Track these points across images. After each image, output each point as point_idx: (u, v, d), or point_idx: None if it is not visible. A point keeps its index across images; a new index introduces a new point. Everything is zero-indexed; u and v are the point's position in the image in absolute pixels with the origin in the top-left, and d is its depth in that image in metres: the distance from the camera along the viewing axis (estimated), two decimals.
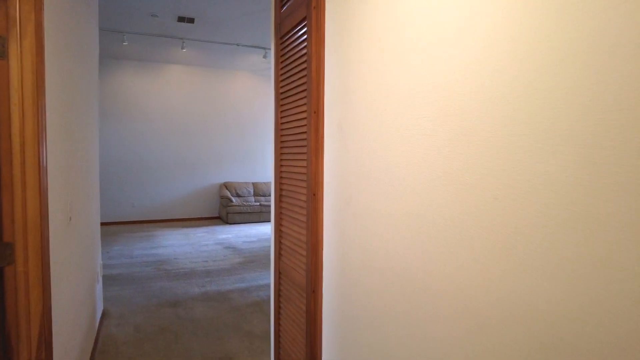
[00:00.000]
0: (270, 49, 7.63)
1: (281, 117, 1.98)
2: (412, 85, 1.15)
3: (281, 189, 2.01)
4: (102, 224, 7.85)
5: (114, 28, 6.64)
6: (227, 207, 8.08)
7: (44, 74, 1.46)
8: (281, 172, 2.02)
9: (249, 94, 8.95)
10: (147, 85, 8.09)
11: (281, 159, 2.01)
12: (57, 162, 1.71)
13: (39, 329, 1.49)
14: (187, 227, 7.80)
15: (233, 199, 8.23)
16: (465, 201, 0.95)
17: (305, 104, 1.70)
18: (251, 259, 5.33)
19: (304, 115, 1.72)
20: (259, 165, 9.13)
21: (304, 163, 1.72)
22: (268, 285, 4.23)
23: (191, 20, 6.31)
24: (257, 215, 8.26)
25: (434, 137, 1.06)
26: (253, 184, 8.87)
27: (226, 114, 8.77)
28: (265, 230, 7.34)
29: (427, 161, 1.08)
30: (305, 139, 1.71)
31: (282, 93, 1.97)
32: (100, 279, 3.35)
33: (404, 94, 1.18)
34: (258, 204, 8.29)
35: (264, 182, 8.99)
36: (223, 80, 8.71)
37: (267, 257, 5.40)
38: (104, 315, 3.35)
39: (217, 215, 8.78)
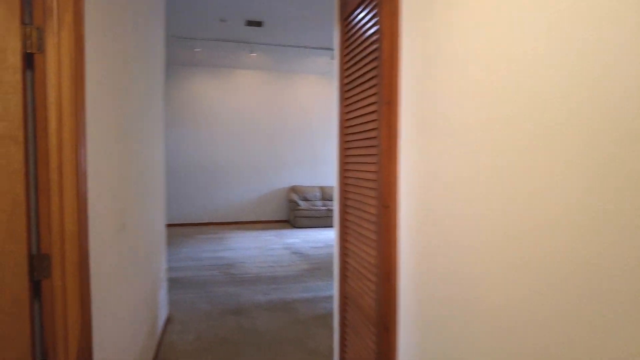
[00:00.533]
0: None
1: (345, 112, 1.71)
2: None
3: (345, 198, 1.73)
4: (175, 225, 8.16)
5: (186, 35, 6.83)
6: (294, 211, 7.99)
7: (83, 70, 1.33)
8: (345, 177, 1.74)
9: (316, 97, 8.82)
10: (218, 91, 8.29)
11: (345, 162, 1.73)
12: (104, 166, 1.59)
13: (77, 345, 1.36)
14: (256, 229, 7.83)
15: (300, 203, 8.12)
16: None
17: (374, 93, 1.41)
18: (317, 266, 5.11)
19: (373, 107, 1.42)
20: (326, 169, 8.95)
21: (373, 167, 1.42)
22: (333, 297, 3.97)
23: (259, 24, 6.29)
24: (325, 220, 8.07)
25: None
26: (320, 187, 8.70)
27: (294, 118, 8.72)
28: (333, 236, 7.11)
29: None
30: (374, 137, 1.42)
31: (346, 84, 1.70)
32: (164, 284, 3.31)
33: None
34: (325, 208, 8.10)
35: (332, 187, 8.79)
36: (291, 83, 8.67)
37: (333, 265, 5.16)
38: (168, 320, 3.31)
39: (285, 218, 8.74)
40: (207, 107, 8.25)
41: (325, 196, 8.61)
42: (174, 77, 8.08)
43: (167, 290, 3.61)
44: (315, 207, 8.08)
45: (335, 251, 1.87)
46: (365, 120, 1.51)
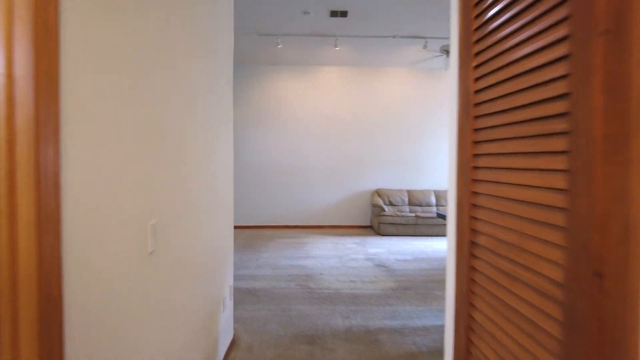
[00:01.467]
0: (430, 38, 6.64)
1: (475, 81, 1.07)
2: None
3: (473, 232, 1.08)
4: (255, 227, 7.98)
5: (269, 31, 6.57)
6: (379, 217, 7.34)
7: (56, 44, 0.88)
8: (474, 194, 1.08)
9: (404, 92, 8.07)
10: (299, 89, 7.96)
11: (474, 168, 1.09)
12: (114, 169, 1.15)
13: None
14: (337, 235, 7.34)
15: (386, 207, 7.45)
16: None
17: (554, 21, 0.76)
18: (405, 284, 4.43)
19: (551, 53, 0.77)
20: (414, 171, 8.15)
21: (559, 180, 0.76)
22: (427, 329, 3.27)
23: (344, 14, 5.78)
24: (412, 228, 7.29)
25: None
26: (408, 191, 7.93)
27: (379, 115, 8.06)
28: (422, 248, 6.33)
29: None
30: (566, 123, 0.76)
31: (479, 27, 1.06)
32: (230, 303, 2.91)
33: None
34: (413, 215, 7.32)
35: (420, 190, 7.96)
36: (376, 78, 8.03)
37: (425, 285, 4.43)
38: (232, 344, 2.91)
39: (368, 224, 8.13)
40: (289, 106, 7.96)
41: (413, 201, 7.81)
42: (256, 77, 7.92)
43: (233, 307, 3.22)
44: (402, 213, 7.34)
45: (449, 322, 1.21)
46: (529, 84, 0.85)
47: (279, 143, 7.98)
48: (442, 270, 5.00)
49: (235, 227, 8.03)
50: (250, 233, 7.47)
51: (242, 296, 4.00)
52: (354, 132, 8.04)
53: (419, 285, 4.41)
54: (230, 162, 2.92)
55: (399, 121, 8.07)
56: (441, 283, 4.50)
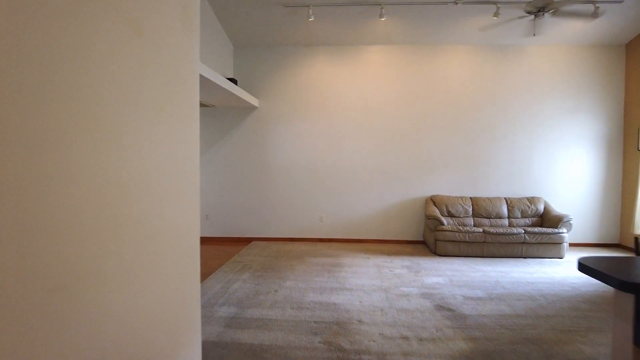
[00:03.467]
0: (503, 2, 5.03)
1: None
2: None
3: None
4: (287, 239, 6.73)
5: (299, 2, 5.28)
6: (435, 232, 5.84)
7: None
8: None
9: (468, 75, 6.49)
10: (338, 75, 6.60)
11: None
12: None
13: None
14: (382, 253, 5.93)
15: (443, 219, 5.93)
16: None
17: None
18: (485, 346, 2.97)
19: None
20: (480, 174, 6.55)
21: None
22: None
23: None
24: (479, 247, 5.73)
25: None
26: (471, 199, 6.36)
27: (435, 105, 6.54)
28: (495, 276, 4.78)
29: None
30: None
31: None
32: None
33: None
34: (480, 230, 5.75)
35: (487, 198, 6.36)
36: (432, 59, 6.51)
37: (514, 349, 2.93)
38: None
39: (420, 239, 6.64)
40: (325, 96, 6.64)
41: (479, 211, 6.23)
42: (284, 61, 6.66)
43: None
44: (466, 228, 5.79)
45: None
46: None
47: (313, 140, 6.68)
48: (537, 320, 3.46)
49: (261, 240, 6.82)
50: (277, 248, 6.23)
51: (244, 353, 2.73)
52: (403, 126, 6.57)
53: (505, 349, 2.93)
54: (195, 158, 1.63)
55: (460, 111, 6.51)
56: (544, 346, 2.98)
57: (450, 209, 6.25)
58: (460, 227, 5.81)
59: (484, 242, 5.71)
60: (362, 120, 6.59)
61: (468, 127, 6.51)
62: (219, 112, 6.84)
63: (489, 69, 6.45)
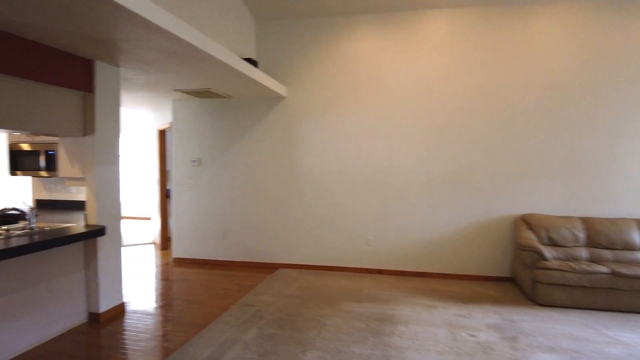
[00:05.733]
0: None
1: None
2: None
3: None
4: (320, 268, 5.17)
5: None
6: (533, 270, 4.01)
7: None
8: None
9: (573, 46, 4.58)
10: (388, 51, 4.96)
11: None
12: None
13: None
14: (453, 297, 4.20)
15: (545, 251, 4.06)
16: None
17: None
18: None
19: None
20: (595, 185, 4.60)
21: None
22: None
23: None
24: (605, 296, 3.82)
25: None
26: (583, 221, 4.43)
27: (526, 89, 4.69)
28: None
29: None
30: None
31: None
32: None
33: None
34: (606, 270, 3.83)
35: (609, 219, 4.40)
36: (520, 26, 4.67)
37: None
38: None
39: (507, 275, 4.79)
40: (371, 80, 5.01)
41: (597, 239, 4.30)
42: (317, 37, 5.12)
43: None
44: (582, 267, 3.89)
45: None
46: None
47: (356, 139, 5.08)
48: None
49: (290, 267, 5.31)
50: (308, 281, 4.68)
51: None
52: (479, 119, 4.79)
53: None
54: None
55: (565, 97, 4.61)
56: None
57: (552, 235, 4.36)
58: (573, 264, 3.93)
59: (612, 288, 3.78)
60: (421, 112, 4.89)
61: (577, 119, 4.58)
62: (237, 105, 5.45)
63: (613, 35, 4.50)
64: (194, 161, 5.67)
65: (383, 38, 4.94)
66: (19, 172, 4.60)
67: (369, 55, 4.99)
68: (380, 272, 5.06)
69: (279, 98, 5.29)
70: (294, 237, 5.30)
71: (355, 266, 5.13)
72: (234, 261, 5.53)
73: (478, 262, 4.83)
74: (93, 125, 3.41)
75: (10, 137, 4.65)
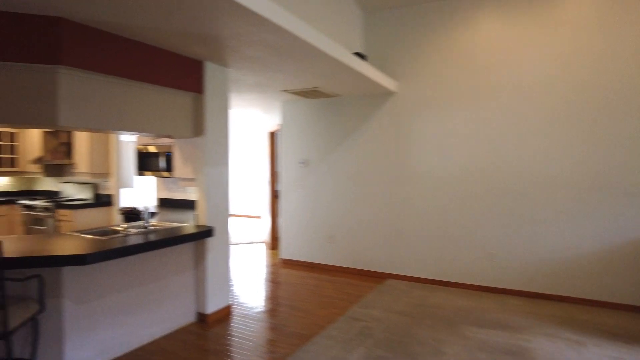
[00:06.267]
0: None
1: None
2: None
3: None
4: (438, 282, 4.65)
5: None
6: None
7: None
8: None
9: None
10: (518, 38, 4.22)
11: None
12: None
13: None
14: (606, 332, 3.37)
15: None
16: None
17: None
18: None
19: None
20: None
21: None
22: None
23: None
24: None
25: None
26: None
27: None
28: None
29: None
30: None
31: None
32: None
33: None
34: None
35: None
36: None
37: None
38: None
39: None
40: (498, 70, 4.33)
41: None
42: (433, 23, 4.60)
43: None
44: None
45: None
46: None
47: (478, 138, 4.44)
48: None
49: (399, 278, 4.88)
50: (420, 296, 4.21)
51: None
52: (634, 111, 3.80)
53: None
54: None
55: None
56: None
57: None
58: None
59: None
60: (559, 107, 4.05)
61: None
62: (343, 104, 5.19)
63: None
64: (301, 162, 5.58)
65: (513, 23, 4.23)
66: (144, 172, 4.96)
67: (494, 42, 4.32)
68: (505, 292, 4.34)
69: (388, 94, 4.90)
70: (404, 246, 4.86)
71: (474, 283, 4.49)
72: (340, 266, 5.29)
73: (620, 282, 3.83)
74: (203, 126, 3.43)
75: (139, 139, 5.04)
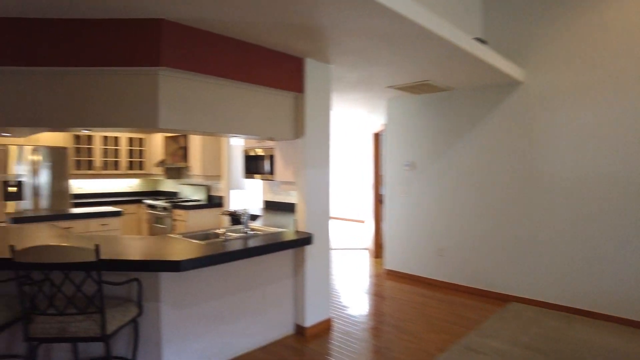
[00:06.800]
0: None
1: None
2: None
3: None
4: (576, 311, 3.84)
5: None
6: None
7: None
8: None
9: None
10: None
11: None
12: None
13: None
14: None
15: None
16: None
17: None
18: None
19: None
20: None
21: None
22: None
23: None
24: None
25: None
26: None
27: None
28: None
29: None
30: None
31: None
32: None
33: None
34: None
35: None
36: None
37: None
38: None
39: None
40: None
41: None
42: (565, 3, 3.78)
43: None
44: None
45: None
46: None
47: (626, 134, 3.52)
48: None
49: (525, 302, 4.13)
50: (554, 328, 3.47)
51: None
52: None
53: None
54: None
55: None
56: None
57: None
58: None
59: None
60: None
61: None
62: (456, 98, 4.60)
63: None
64: (406, 165, 5.12)
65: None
66: (252, 175, 5.00)
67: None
68: (626, 321, 3.35)
69: (512, 84, 4.19)
70: (533, 263, 4.10)
71: (632, 318, 3.56)
72: (451, 283, 4.70)
73: None
74: (303, 128, 3.22)
75: (245, 142, 5.12)
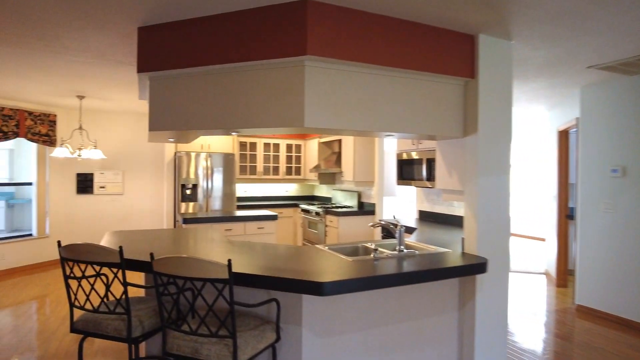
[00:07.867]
0: None
1: None
2: None
3: None
4: None
5: None
6: None
7: None
8: None
9: None
10: None
11: None
12: None
13: None
14: None
15: None
16: None
17: None
18: None
19: None
20: None
21: None
22: None
23: None
24: None
25: None
26: None
27: None
28: None
29: None
30: None
31: None
32: None
33: None
34: None
35: None
36: None
37: None
38: None
39: None
40: None
41: None
42: None
43: None
44: None
45: None
46: None
47: None
48: None
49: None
50: None
51: None
52: None
53: None
54: None
55: None
56: None
57: None
58: None
59: None
60: None
61: None
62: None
63: None
64: (614, 171, 3.88)
65: None
66: (405, 182, 4.49)
67: None
68: None
69: None
70: None
71: None
72: (591, 308, 3.33)
73: None
74: (476, 122, 2.55)
75: (399, 145, 4.63)
